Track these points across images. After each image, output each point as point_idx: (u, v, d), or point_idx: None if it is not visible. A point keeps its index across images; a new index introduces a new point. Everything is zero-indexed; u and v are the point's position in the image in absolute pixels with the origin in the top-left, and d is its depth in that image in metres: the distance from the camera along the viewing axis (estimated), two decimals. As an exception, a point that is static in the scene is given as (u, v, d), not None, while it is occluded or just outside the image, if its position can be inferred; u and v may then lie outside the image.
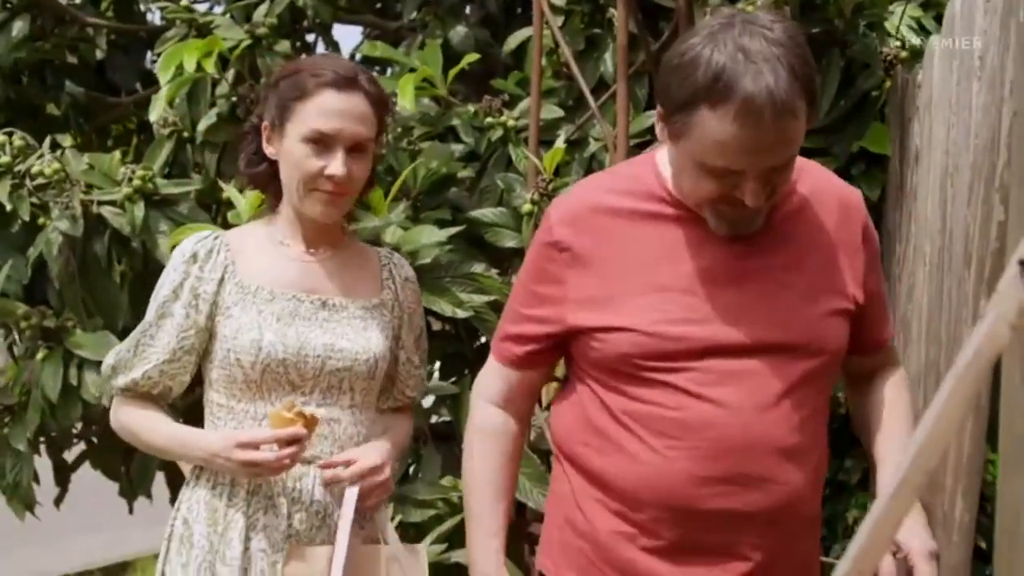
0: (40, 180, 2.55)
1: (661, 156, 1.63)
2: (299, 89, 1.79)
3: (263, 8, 2.93)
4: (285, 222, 1.89)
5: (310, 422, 1.74)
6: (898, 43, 2.66)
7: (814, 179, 1.64)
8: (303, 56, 3.60)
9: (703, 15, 2.58)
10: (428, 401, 2.75)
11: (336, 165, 1.77)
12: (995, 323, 0.91)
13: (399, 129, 2.94)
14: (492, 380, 1.74)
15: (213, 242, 1.86)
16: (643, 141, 2.60)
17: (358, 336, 1.85)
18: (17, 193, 2.57)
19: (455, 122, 2.84)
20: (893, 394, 1.68)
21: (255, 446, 1.73)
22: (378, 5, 4.00)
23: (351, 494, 1.76)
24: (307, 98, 1.78)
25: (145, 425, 1.87)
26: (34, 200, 2.62)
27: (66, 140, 3.63)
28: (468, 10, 3.62)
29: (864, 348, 1.68)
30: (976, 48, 1.63)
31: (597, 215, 1.60)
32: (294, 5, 3.05)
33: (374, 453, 1.83)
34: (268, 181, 1.89)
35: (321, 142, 1.77)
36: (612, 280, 1.58)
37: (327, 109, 1.77)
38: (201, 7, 3.61)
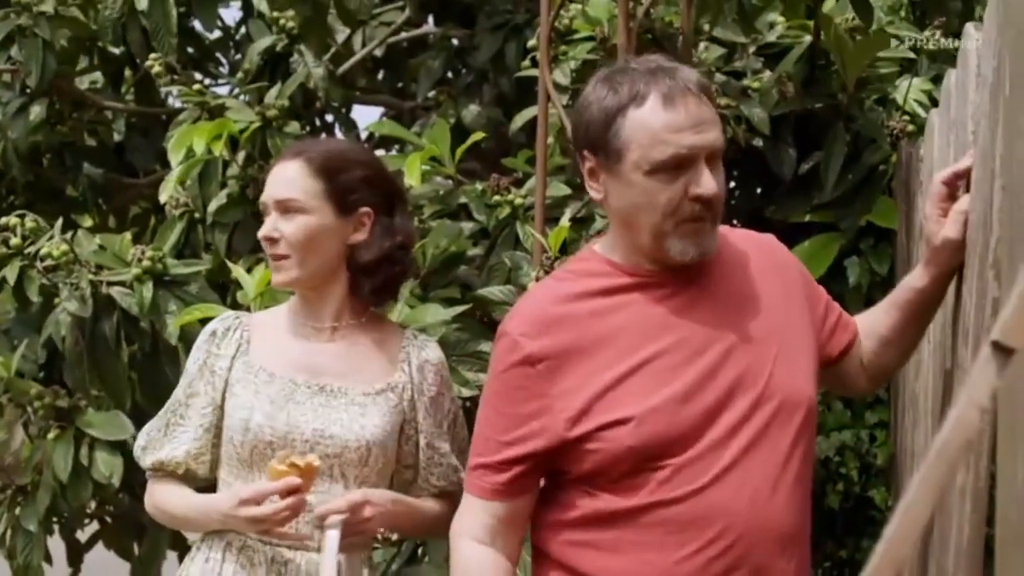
0: (49, 262, 2.58)
1: (598, 245, 1.63)
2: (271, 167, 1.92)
3: (275, 90, 2.96)
4: (297, 300, 1.93)
5: (305, 471, 1.71)
6: (907, 117, 2.65)
7: (732, 233, 1.68)
8: (316, 136, 3.66)
9: (707, 92, 2.59)
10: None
11: (265, 226, 1.85)
12: (965, 408, 0.88)
13: (409, 208, 2.97)
14: (474, 516, 1.59)
15: (233, 320, 1.91)
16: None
17: (352, 422, 1.82)
18: (27, 274, 2.59)
19: (462, 200, 2.85)
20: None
21: (257, 501, 1.72)
22: (399, 85, 4.07)
23: (332, 536, 1.69)
24: (270, 171, 1.90)
25: (170, 499, 1.89)
26: (44, 281, 2.65)
27: (85, 221, 3.70)
28: (483, 89, 3.66)
29: (850, 344, 1.70)
30: (969, 123, 1.62)
31: (559, 308, 1.56)
32: (305, 87, 3.09)
33: (359, 493, 1.78)
34: None
35: (265, 209, 1.86)
36: (598, 371, 1.51)
37: (274, 178, 1.87)
38: (222, 90, 3.71)
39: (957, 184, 1.61)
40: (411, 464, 1.91)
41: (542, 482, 1.62)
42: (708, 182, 1.49)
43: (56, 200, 3.52)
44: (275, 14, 3.20)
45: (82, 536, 3.45)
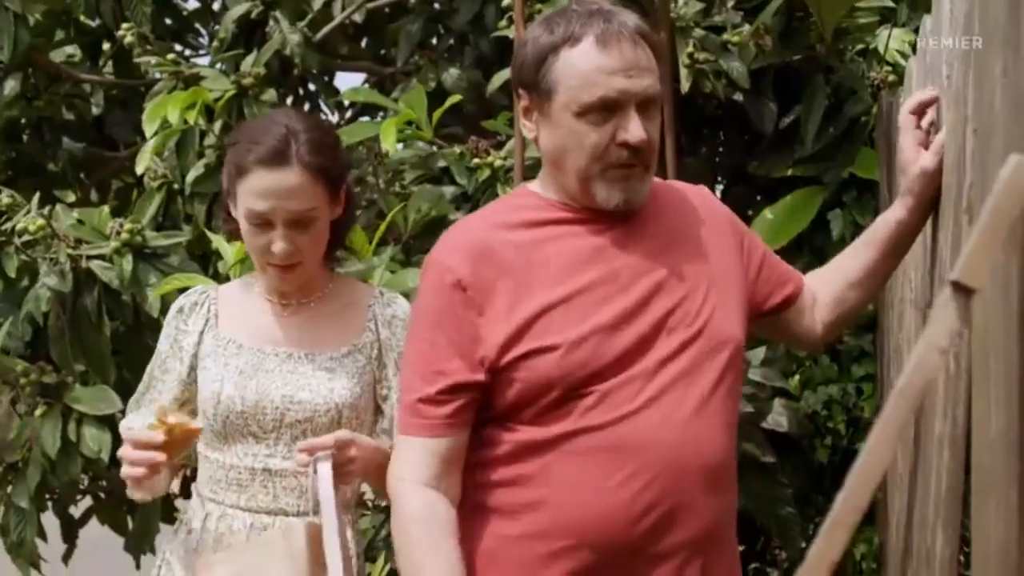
0: (27, 237, 2.55)
1: (532, 184, 1.63)
2: (237, 165, 1.76)
3: (251, 58, 2.92)
4: (263, 275, 1.88)
5: (174, 431, 1.67)
6: (888, 67, 2.62)
7: (664, 184, 1.69)
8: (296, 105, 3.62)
9: (686, 46, 2.56)
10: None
11: (278, 243, 1.75)
12: (925, 351, 0.86)
13: (389, 173, 2.94)
14: (417, 458, 1.53)
15: (200, 295, 1.90)
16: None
17: (321, 386, 1.81)
18: (4, 251, 2.57)
19: (441, 163, 2.82)
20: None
21: (127, 460, 1.69)
22: (382, 52, 4.02)
23: (325, 468, 1.64)
24: (243, 177, 1.75)
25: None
26: (24, 257, 2.63)
27: (68, 196, 3.67)
28: (464, 52, 3.61)
29: (790, 298, 1.71)
30: (944, 67, 1.59)
31: (488, 236, 1.55)
32: (283, 54, 3.05)
33: (346, 432, 1.75)
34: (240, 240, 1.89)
35: (260, 221, 1.75)
36: (526, 299, 1.50)
37: (259, 190, 1.73)
38: (203, 61, 3.66)
39: (925, 112, 1.61)
40: (388, 428, 1.89)
41: None
42: (636, 128, 1.48)
43: (37, 176, 3.48)
44: (249, -20, 3.15)
45: (76, 512, 3.45)
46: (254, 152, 1.73)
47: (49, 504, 3.18)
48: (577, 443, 1.48)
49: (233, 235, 1.91)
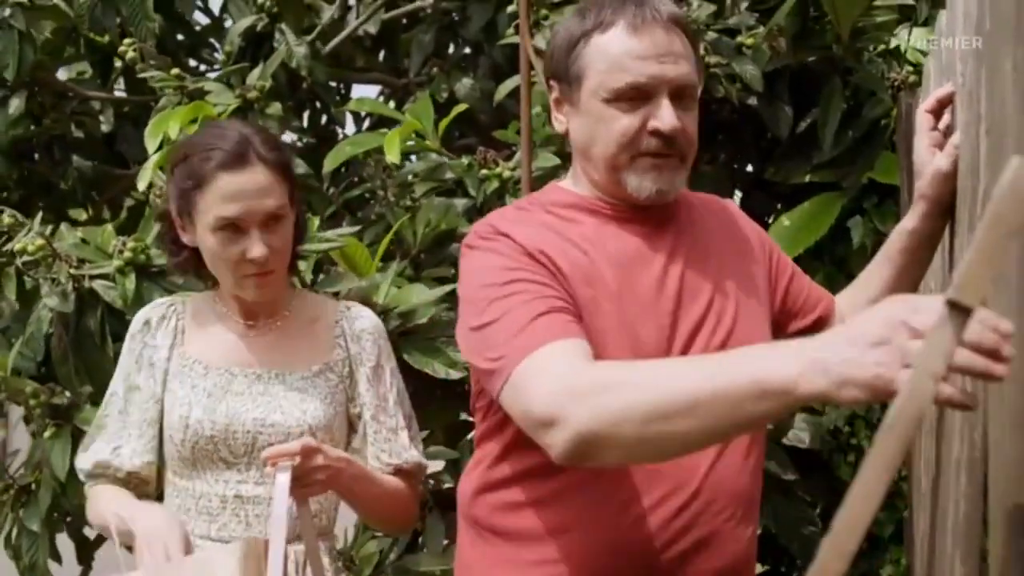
0: (26, 257, 2.51)
1: (563, 182, 1.56)
2: (194, 178, 1.68)
3: (257, 71, 2.87)
4: (225, 296, 1.81)
5: None
6: (909, 67, 2.52)
7: (695, 195, 1.62)
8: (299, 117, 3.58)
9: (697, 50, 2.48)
10: (435, 466, 2.64)
11: (255, 248, 1.67)
12: (918, 378, 0.78)
13: (399, 187, 2.88)
14: (569, 354, 1.26)
15: (166, 309, 1.81)
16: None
17: (293, 408, 1.74)
18: (4, 272, 2.53)
19: (450, 175, 2.75)
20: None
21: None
22: (399, 63, 3.97)
23: (283, 478, 1.56)
24: (205, 187, 1.67)
25: (104, 502, 1.72)
26: (27, 278, 2.59)
27: (81, 215, 3.64)
28: (478, 61, 3.55)
29: (820, 321, 1.63)
30: (958, 64, 1.50)
31: (530, 227, 1.44)
32: (290, 67, 3.00)
33: (312, 440, 1.66)
34: (196, 267, 1.80)
35: (231, 228, 1.67)
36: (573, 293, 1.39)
37: (228, 194, 1.66)
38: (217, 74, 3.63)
39: (943, 112, 1.53)
40: (360, 448, 1.82)
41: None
42: (669, 116, 1.41)
43: (49, 195, 3.46)
44: (252, -8, 3.11)
45: (91, 534, 3.41)
46: (213, 159, 1.66)
47: (64, 526, 3.14)
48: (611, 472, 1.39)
49: (182, 266, 1.81)
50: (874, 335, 0.93)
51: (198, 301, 1.84)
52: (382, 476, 1.81)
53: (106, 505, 1.71)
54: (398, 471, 1.83)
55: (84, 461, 1.80)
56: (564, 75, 1.47)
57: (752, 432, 1.42)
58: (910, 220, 1.58)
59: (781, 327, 1.61)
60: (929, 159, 1.53)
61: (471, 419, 2.70)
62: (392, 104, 3.93)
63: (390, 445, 1.82)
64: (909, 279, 1.62)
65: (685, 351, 1.42)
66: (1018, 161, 0.74)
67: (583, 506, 1.40)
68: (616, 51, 1.41)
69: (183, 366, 1.76)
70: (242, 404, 1.73)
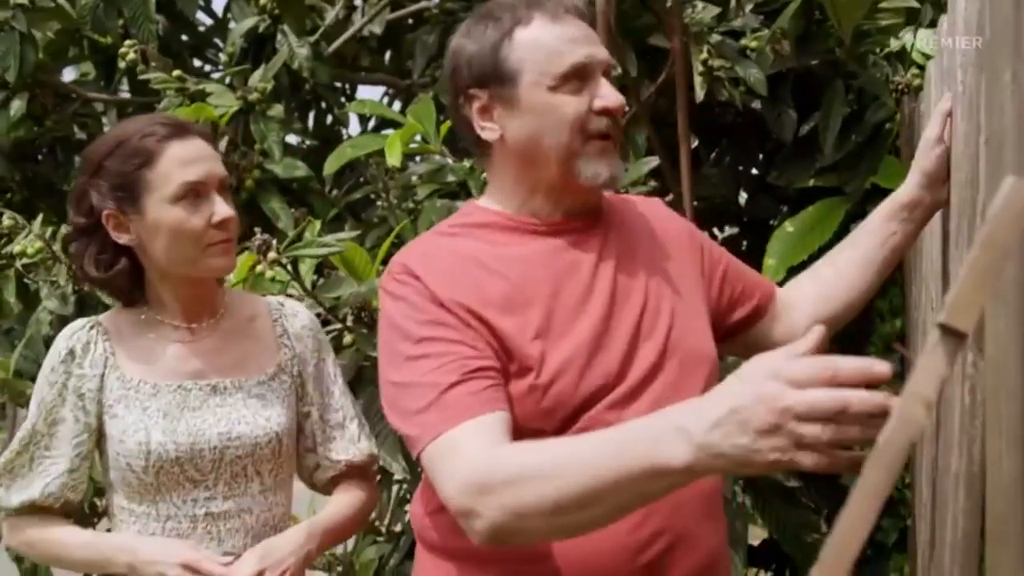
0: (25, 260, 2.50)
1: (480, 202, 1.52)
2: (140, 156, 1.62)
3: (258, 73, 2.86)
4: (158, 304, 1.72)
5: None
6: (915, 70, 2.49)
7: (619, 198, 1.61)
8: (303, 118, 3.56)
9: (699, 53, 2.46)
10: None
11: (221, 208, 1.64)
12: (908, 404, 0.76)
13: (401, 189, 2.86)
14: (480, 436, 1.26)
15: (88, 333, 1.69)
16: (644, 190, 2.47)
17: (256, 417, 1.69)
18: (3, 274, 2.52)
19: (451, 178, 2.73)
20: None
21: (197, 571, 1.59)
22: (408, 63, 3.95)
23: None
24: (155, 160, 1.62)
25: (55, 539, 1.68)
26: (27, 281, 2.59)
27: (84, 216, 3.63)
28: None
29: (758, 310, 1.63)
30: (958, 72, 1.48)
31: (456, 260, 1.42)
32: (292, 68, 2.98)
33: (252, 559, 1.63)
34: (129, 277, 1.70)
35: (193, 194, 1.62)
36: (508, 324, 1.37)
37: (184, 159, 1.62)
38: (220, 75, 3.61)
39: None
40: (311, 447, 1.79)
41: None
42: (611, 92, 1.42)
43: (52, 196, 3.45)
44: (254, -6, 3.09)
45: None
46: (155, 134, 1.62)
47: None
48: None
49: (113, 285, 1.70)
50: (762, 423, 0.95)
51: (119, 318, 1.73)
52: (340, 507, 1.80)
53: (70, 549, 1.68)
54: (349, 466, 1.82)
55: (12, 499, 1.69)
56: (494, 77, 1.42)
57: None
58: (903, 187, 1.61)
59: (722, 318, 1.59)
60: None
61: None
62: (397, 105, 3.92)
63: (338, 442, 1.81)
64: (885, 256, 1.61)
65: (627, 356, 1.40)
66: (1012, 181, 0.72)
67: None
68: (549, 39, 1.41)
69: (126, 389, 1.66)
70: (203, 419, 1.66)
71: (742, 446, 0.96)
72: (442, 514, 1.41)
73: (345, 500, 1.81)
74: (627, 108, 2.47)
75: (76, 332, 1.69)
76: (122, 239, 1.66)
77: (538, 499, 1.13)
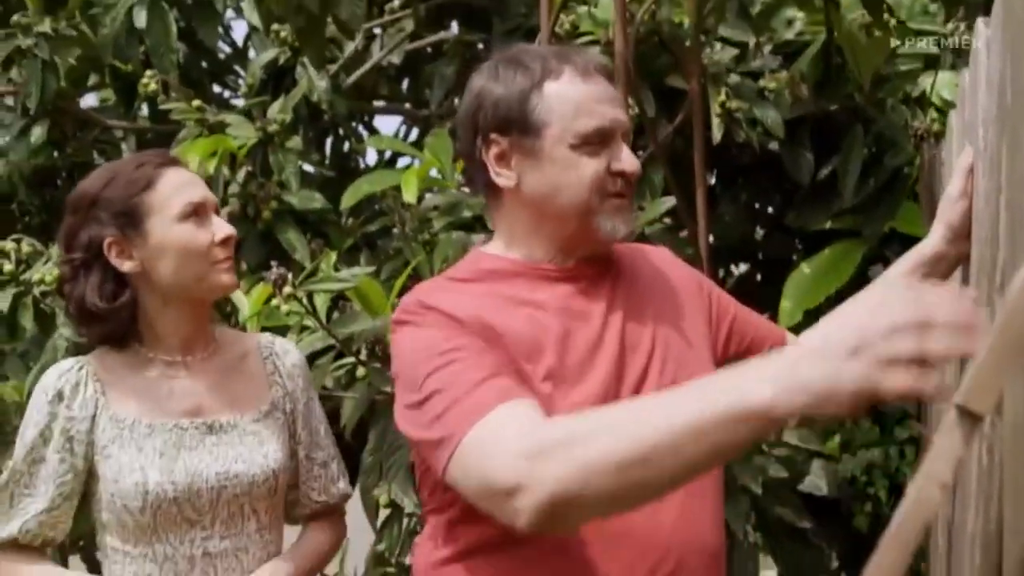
0: (44, 287, 2.51)
1: (487, 248, 1.51)
2: (139, 182, 1.65)
3: (277, 104, 2.88)
4: (152, 338, 1.71)
5: None
6: (935, 115, 2.49)
7: (628, 246, 1.58)
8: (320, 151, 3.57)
9: (717, 95, 2.46)
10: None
11: (222, 227, 1.68)
12: (925, 484, 0.76)
13: (417, 221, 2.87)
14: (523, 412, 1.20)
15: (78, 374, 1.67)
16: (660, 228, 2.48)
17: (253, 454, 1.69)
18: (22, 302, 2.53)
19: (467, 213, 2.74)
20: None
21: None
22: (425, 93, 3.97)
23: None
24: (155, 183, 1.65)
25: None
26: (43, 307, 2.59)
27: (102, 240, 3.65)
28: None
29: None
30: (980, 127, 1.48)
31: (469, 306, 1.39)
32: (310, 101, 3.00)
33: None
34: (131, 309, 1.69)
35: (197, 213, 1.66)
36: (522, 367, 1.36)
37: (183, 182, 1.67)
38: (240, 102, 3.64)
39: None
40: (294, 484, 1.80)
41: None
42: (629, 157, 1.43)
43: (71, 220, 3.47)
44: (275, 27, 3.11)
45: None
46: (150, 163, 1.67)
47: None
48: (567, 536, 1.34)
49: (115, 318, 1.67)
50: (848, 343, 0.89)
51: (108, 358, 1.70)
52: (310, 544, 1.82)
53: None
54: (326, 506, 1.84)
55: None
56: (518, 125, 1.42)
57: (729, 460, 1.38)
58: (926, 241, 1.59)
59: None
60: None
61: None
62: (415, 132, 3.94)
63: (319, 483, 1.83)
64: None
65: None
66: (1031, 267, 0.72)
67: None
68: (578, 96, 1.41)
69: (120, 429, 1.65)
70: (200, 459, 1.65)
71: (825, 374, 0.90)
72: (444, 567, 1.40)
73: (322, 538, 1.84)
74: (644, 148, 2.49)
75: (64, 373, 1.67)
76: (125, 266, 1.66)
77: (604, 454, 1.05)
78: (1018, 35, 1.17)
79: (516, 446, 1.13)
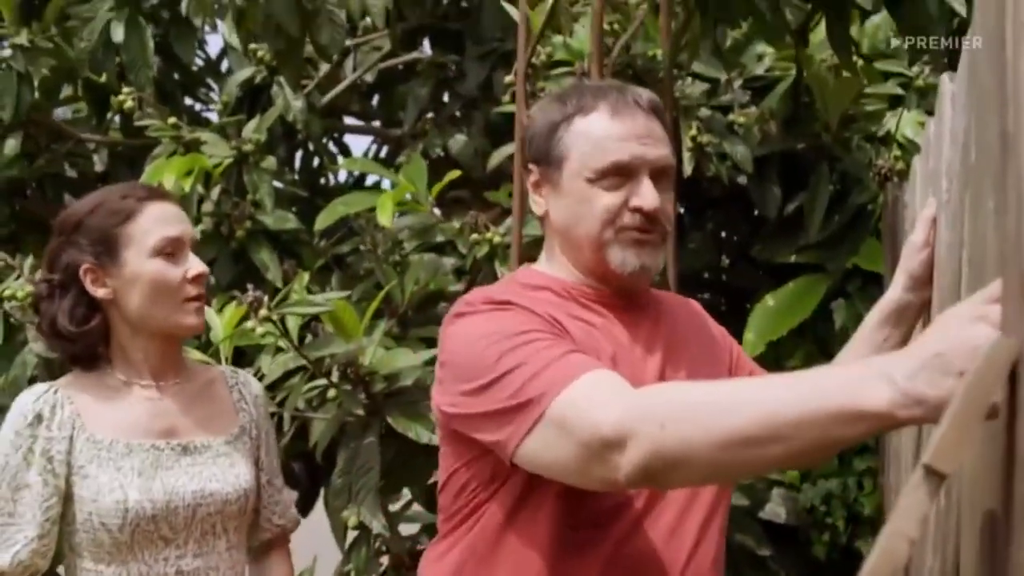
0: (14, 303, 2.52)
1: (536, 266, 1.55)
2: (120, 214, 1.68)
3: (253, 124, 2.90)
4: (124, 363, 1.73)
5: None
6: (898, 153, 2.56)
7: (661, 293, 1.64)
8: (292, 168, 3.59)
9: (689, 128, 2.52)
10: (411, 529, 2.65)
11: (196, 264, 1.71)
12: (892, 538, 0.80)
13: (389, 243, 2.90)
14: (619, 380, 1.24)
15: (54, 396, 1.68)
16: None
17: (226, 475, 1.74)
18: (-7, 314, 2.53)
19: (440, 238, 2.78)
20: None
21: None
22: (401, 113, 4.00)
23: None
24: (135, 216, 1.69)
25: None
26: (13, 321, 2.60)
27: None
28: (473, 116, 3.58)
29: None
30: (944, 179, 1.53)
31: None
32: (284, 119, 3.03)
33: None
34: (100, 334, 1.72)
35: (170, 248, 1.69)
36: None
37: (162, 217, 1.70)
38: (212, 115, 3.65)
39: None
40: (256, 508, 1.84)
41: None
42: (649, 194, 1.43)
43: (40, 232, 3.46)
44: (252, 46, 3.13)
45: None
46: (134, 195, 1.71)
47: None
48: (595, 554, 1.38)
49: (86, 340, 1.70)
50: (967, 365, 0.88)
51: (80, 381, 1.73)
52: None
53: None
54: (283, 531, 1.89)
55: None
56: (545, 158, 1.48)
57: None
58: (890, 292, 1.63)
59: None
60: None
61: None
62: (385, 151, 3.97)
63: (279, 507, 1.88)
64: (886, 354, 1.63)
65: None
66: (996, 339, 0.77)
67: None
68: (598, 133, 1.44)
69: (98, 450, 1.67)
70: (176, 479, 1.69)
71: (943, 387, 0.90)
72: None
73: (287, 569, 1.92)
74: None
75: (41, 396, 1.69)
76: (98, 292, 1.69)
77: (711, 428, 1.07)
78: (982, 98, 1.22)
79: (621, 402, 1.17)
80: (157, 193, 1.75)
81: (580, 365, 1.26)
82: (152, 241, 1.68)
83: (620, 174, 1.43)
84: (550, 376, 1.26)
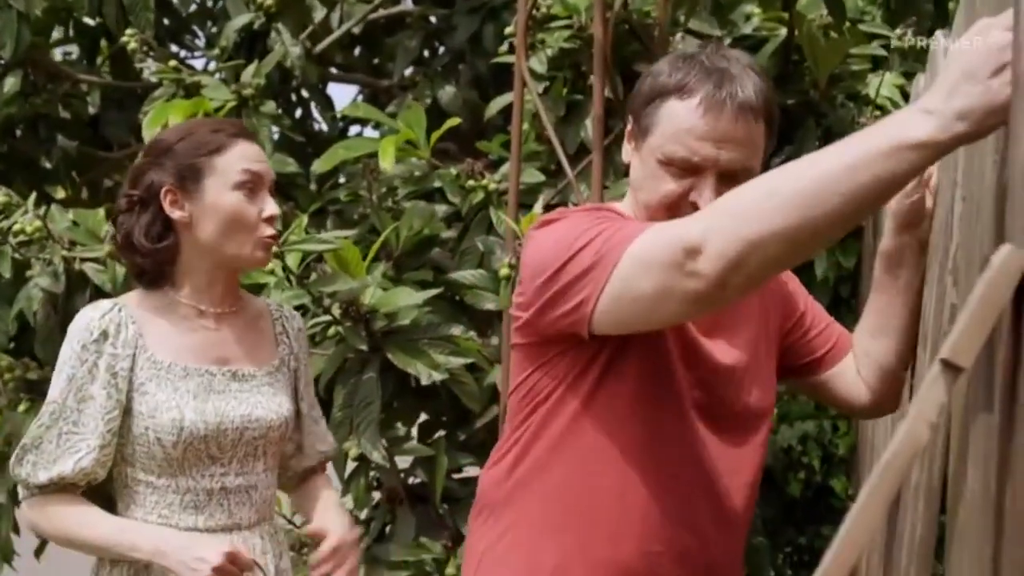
0: (22, 237, 2.57)
1: (619, 205, 1.63)
2: (211, 145, 1.77)
3: (251, 69, 2.95)
4: (188, 286, 1.82)
5: None
6: (878, 113, 2.68)
7: None
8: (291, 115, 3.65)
9: (682, 83, 2.61)
10: (404, 462, 2.76)
11: (271, 206, 1.79)
12: (915, 423, 0.91)
13: (383, 189, 2.97)
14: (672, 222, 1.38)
15: (119, 315, 1.76)
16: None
17: (270, 402, 1.85)
18: (1, 250, 2.59)
19: (437, 184, 2.86)
20: None
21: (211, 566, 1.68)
22: (375, 61, 4.05)
23: None
24: (225, 149, 1.77)
25: (83, 521, 1.73)
26: (17, 256, 2.65)
27: (58, 192, 3.68)
28: (460, 70, 3.65)
29: (827, 356, 1.73)
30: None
31: None
32: (282, 65, 3.08)
33: (340, 527, 1.87)
34: (172, 252, 1.80)
35: (251, 185, 1.78)
36: None
37: (249, 155, 1.79)
38: (197, 63, 3.69)
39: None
40: (292, 437, 1.95)
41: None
42: (709, 195, 1.47)
43: (29, 171, 3.50)
44: (253, -8, 3.18)
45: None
46: (228, 131, 1.80)
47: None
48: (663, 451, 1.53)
49: (157, 256, 1.78)
50: (990, 66, 1.01)
51: (144, 302, 1.82)
52: (341, 505, 2.03)
53: (98, 530, 1.73)
54: (324, 458, 2.03)
55: (40, 476, 1.72)
56: (638, 118, 1.55)
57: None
58: (883, 240, 1.69)
59: (785, 364, 1.73)
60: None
61: (443, 419, 2.83)
62: (373, 102, 4.01)
63: (322, 435, 2.01)
64: (902, 302, 1.68)
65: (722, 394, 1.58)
66: (1007, 249, 0.88)
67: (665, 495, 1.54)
68: (682, 125, 1.48)
69: (157, 370, 1.77)
70: (226, 403, 1.80)
71: (977, 94, 1.00)
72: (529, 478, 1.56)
73: (335, 494, 2.04)
74: (612, 128, 2.63)
75: (107, 313, 1.76)
76: (175, 214, 1.77)
77: (779, 195, 1.17)
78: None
79: (689, 218, 1.32)
80: (245, 132, 1.84)
81: (646, 226, 1.39)
82: (235, 175, 1.77)
83: (685, 168, 1.49)
84: (620, 236, 1.39)
